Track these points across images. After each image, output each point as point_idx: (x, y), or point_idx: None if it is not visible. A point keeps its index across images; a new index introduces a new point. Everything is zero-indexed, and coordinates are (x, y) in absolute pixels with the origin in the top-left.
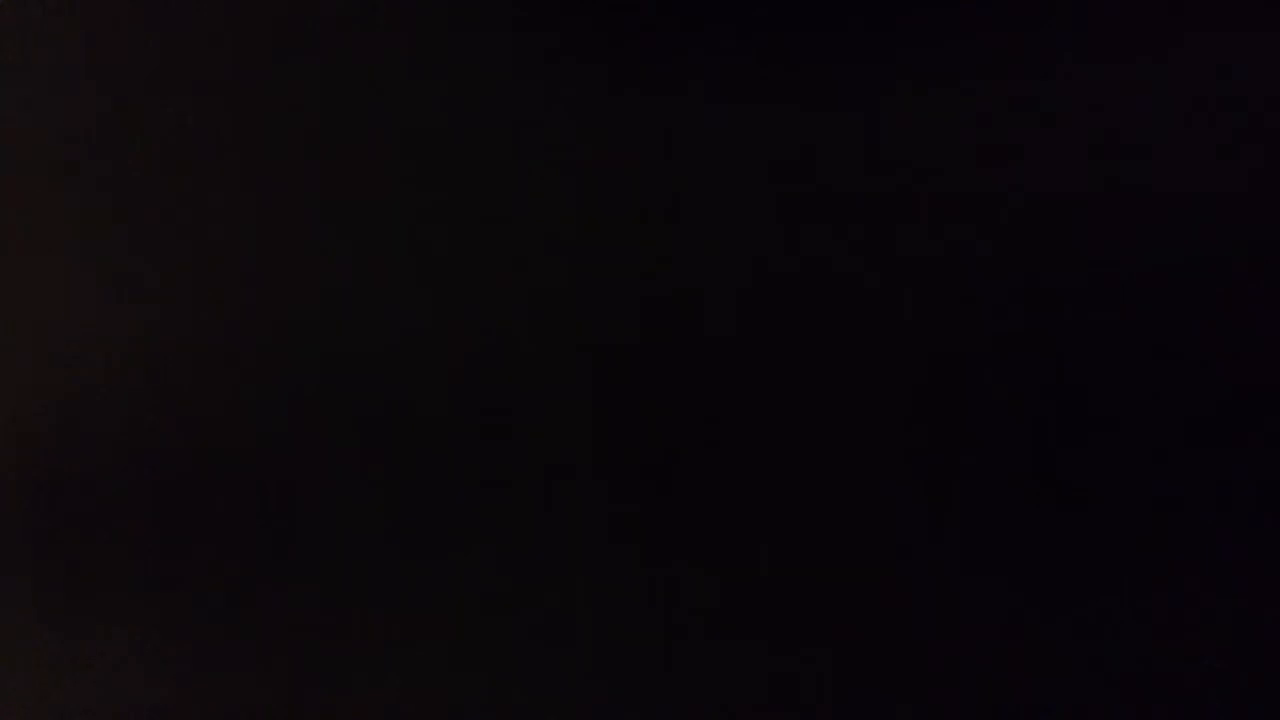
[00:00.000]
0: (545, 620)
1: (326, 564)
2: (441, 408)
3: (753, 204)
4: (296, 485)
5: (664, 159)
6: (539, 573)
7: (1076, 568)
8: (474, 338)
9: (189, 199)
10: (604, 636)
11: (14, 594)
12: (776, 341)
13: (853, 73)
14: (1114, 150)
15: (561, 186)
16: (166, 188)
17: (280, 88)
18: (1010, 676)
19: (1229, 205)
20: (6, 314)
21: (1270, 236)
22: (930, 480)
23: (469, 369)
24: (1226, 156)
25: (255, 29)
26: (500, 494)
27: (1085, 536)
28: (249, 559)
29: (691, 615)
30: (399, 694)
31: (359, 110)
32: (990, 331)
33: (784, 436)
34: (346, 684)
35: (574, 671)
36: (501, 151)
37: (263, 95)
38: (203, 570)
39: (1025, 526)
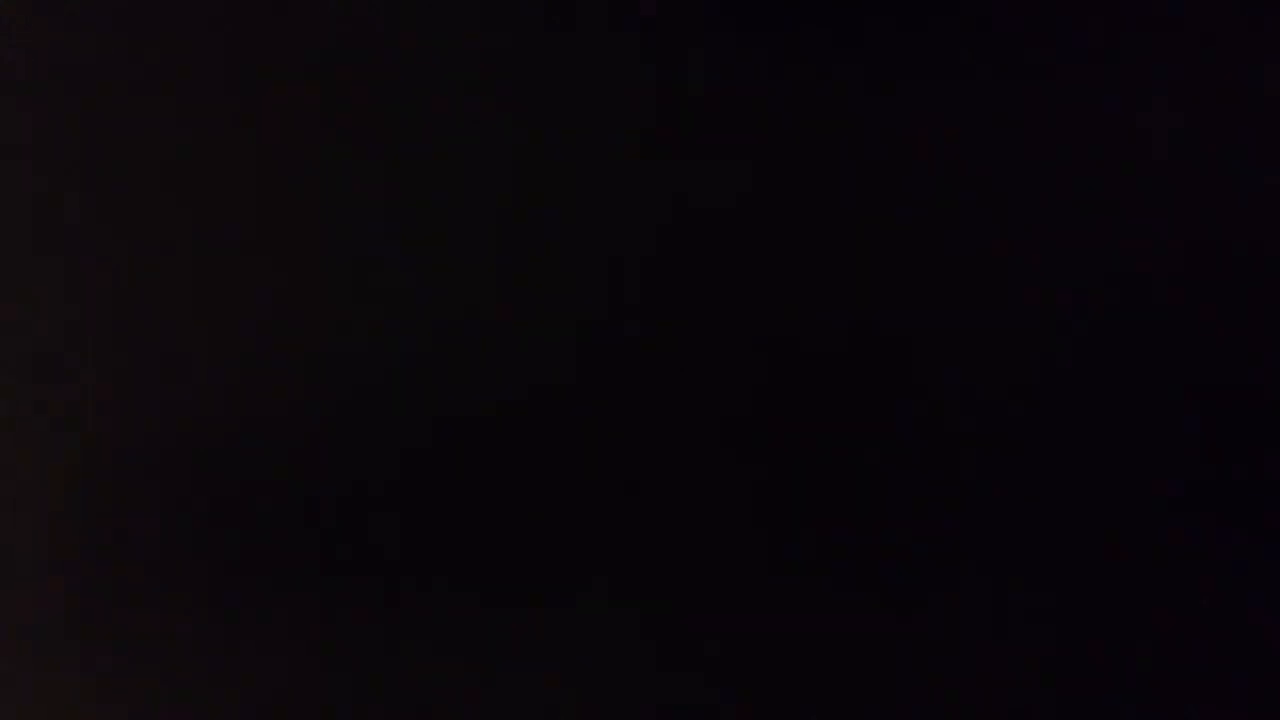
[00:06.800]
0: (548, 623)
1: (336, 566)
2: (480, 408)
3: (752, 203)
4: (300, 485)
5: (663, 159)
6: (545, 576)
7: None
8: (492, 340)
9: (191, 200)
10: (609, 636)
11: (52, 598)
12: (774, 343)
13: (852, 71)
14: (1112, 150)
15: (558, 185)
16: (170, 187)
17: (286, 85)
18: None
19: (1228, 205)
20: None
21: (1269, 237)
22: (927, 484)
23: (491, 368)
24: (1226, 156)
25: (258, 28)
26: (517, 498)
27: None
28: (261, 562)
29: (695, 611)
30: (405, 695)
31: (363, 109)
32: (991, 332)
33: (785, 437)
34: (356, 686)
35: (577, 679)
36: (500, 151)
37: (272, 94)
38: (222, 573)
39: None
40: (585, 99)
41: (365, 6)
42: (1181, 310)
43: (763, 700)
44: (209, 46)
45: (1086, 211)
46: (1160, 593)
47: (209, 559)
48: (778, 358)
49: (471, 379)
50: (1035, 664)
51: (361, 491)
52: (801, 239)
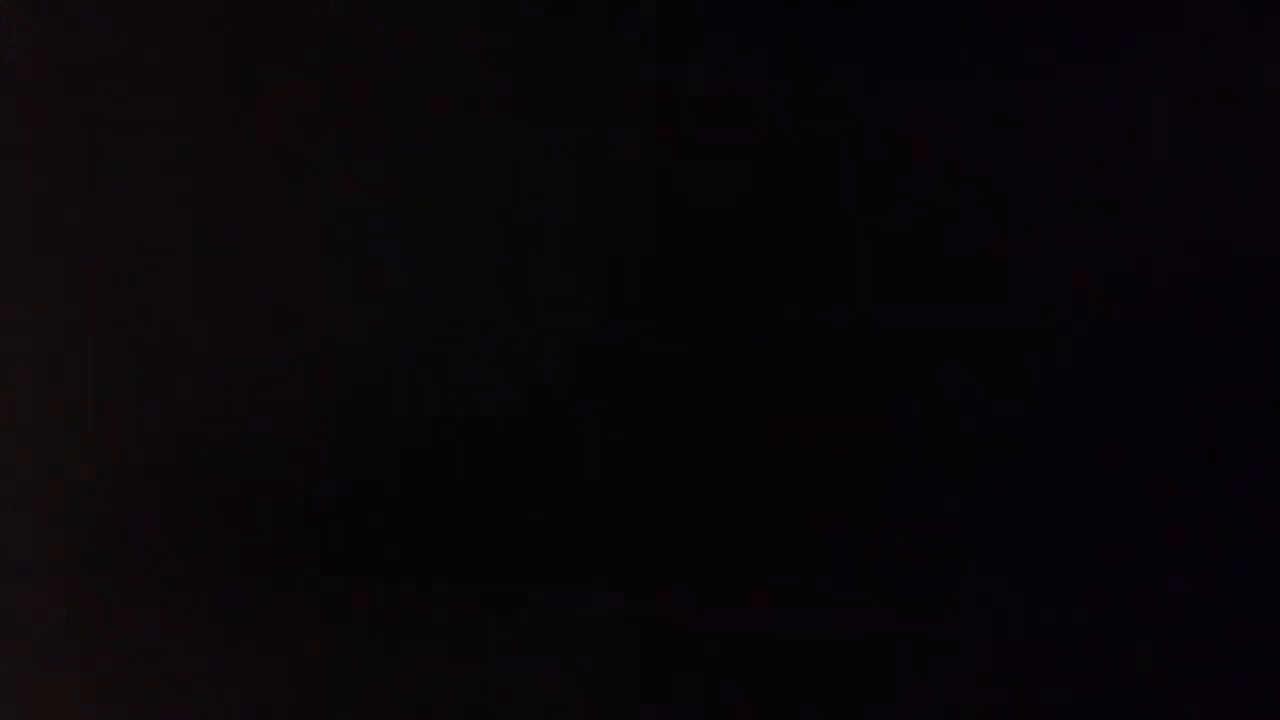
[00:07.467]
0: (548, 623)
1: (336, 566)
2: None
3: (752, 203)
4: (301, 485)
5: (663, 159)
6: (545, 576)
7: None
8: (492, 340)
9: (191, 200)
10: (609, 636)
11: (52, 599)
12: (774, 343)
13: (852, 68)
14: (1112, 148)
15: (553, 182)
16: (170, 187)
17: (286, 85)
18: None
19: (1228, 205)
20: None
21: (1269, 236)
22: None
23: (491, 368)
24: (1226, 156)
25: (258, 28)
26: (517, 498)
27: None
28: (261, 562)
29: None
30: (405, 695)
31: (363, 109)
32: (991, 332)
33: (785, 435)
34: (356, 686)
35: (577, 679)
36: (500, 151)
37: (272, 94)
38: (222, 573)
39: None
40: (585, 99)
41: (365, 6)
42: (1181, 310)
43: (763, 700)
44: (209, 46)
45: (1086, 211)
46: (1160, 593)
47: (209, 559)
48: (778, 358)
49: (471, 379)
50: (1035, 664)
51: (361, 491)
52: (801, 239)
